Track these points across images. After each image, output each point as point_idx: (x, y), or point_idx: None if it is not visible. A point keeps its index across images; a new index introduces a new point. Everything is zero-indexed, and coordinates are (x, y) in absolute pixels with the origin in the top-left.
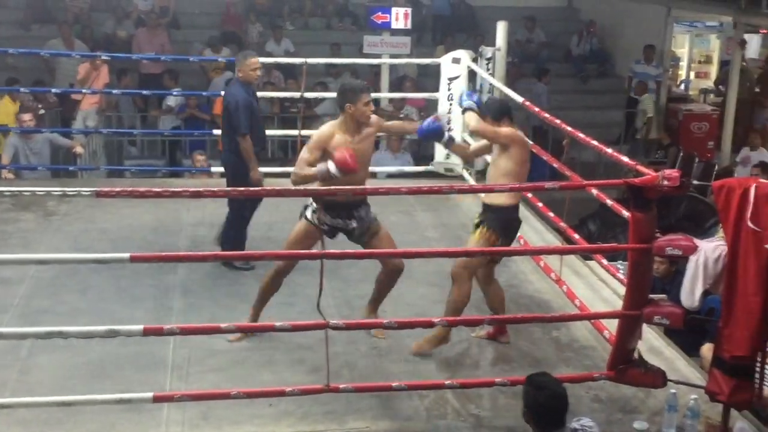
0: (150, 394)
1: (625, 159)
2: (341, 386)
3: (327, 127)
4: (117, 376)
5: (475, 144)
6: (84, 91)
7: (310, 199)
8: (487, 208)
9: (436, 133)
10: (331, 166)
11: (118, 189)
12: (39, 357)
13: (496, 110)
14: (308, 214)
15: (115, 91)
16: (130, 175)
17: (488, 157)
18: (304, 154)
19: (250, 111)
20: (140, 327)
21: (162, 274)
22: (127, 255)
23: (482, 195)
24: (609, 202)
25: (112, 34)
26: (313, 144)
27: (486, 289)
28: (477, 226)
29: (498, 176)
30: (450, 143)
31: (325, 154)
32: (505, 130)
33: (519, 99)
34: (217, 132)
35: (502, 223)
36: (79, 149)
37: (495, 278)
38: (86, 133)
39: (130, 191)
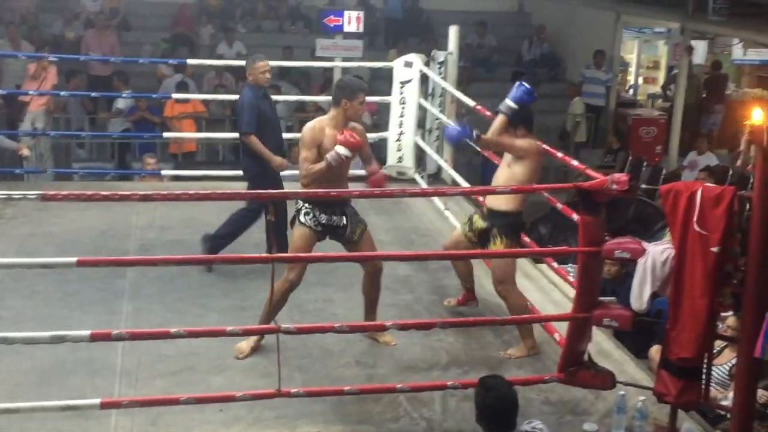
0: (98, 401)
1: (575, 163)
2: (293, 390)
3: (316, 123)
4: (64, 382)
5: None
6: (31, 92)
7: (300, 203)
8: (497, 214)
9: (467, 136)
10: (339, 149)
11: (65, 192)
12: None
13: (514, 117)
14: (301, 218)
15: (63, 93)
16: (78, 178)
17: (435, 156)
18: (304, 153)
19: (257, 111)
20: (87, 332)
21: (111, 279)
22: (74, 259)
23: (486, 200)
24: (559, 205)
25: (60, 35)
26: (308, 141)
27: (457, 263)
28: (487, 232)
29: (510, 182)
30: (478, 140)
31: (319, 148)
32: (521, 142)
33: (471, 103)
34: (168, 135)
35: (515, 229)
36: (25, 151)
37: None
38: (33, 135)
39: (77, 194)
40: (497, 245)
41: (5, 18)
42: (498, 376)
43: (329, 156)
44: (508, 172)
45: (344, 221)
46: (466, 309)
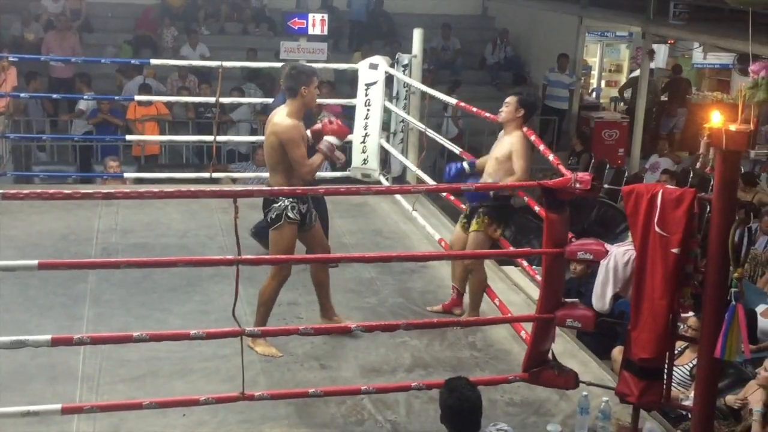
0: (58, 406)
1: (552, 157)
2: (257, 394)
3: (289, 119)
4: (24, 388)
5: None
6: None
7: (284, 201)
8: (486, 195)
9: (460, 174)
10: (331, 139)
11: (26, 191)
12: None
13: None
14: (290, 213)
15: (23, 95)
16: (39, 181)
17: (400, 157)
18: (298, 150)
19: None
20: (48, 337)
21: (72, 283)
22: (35, 262)
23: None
24: (526, 198)
25: (20, 36)
26: (297, 138)
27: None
28: (473, 211)
29: (502, 174)
30: (472, 167)
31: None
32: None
33: (452, 101)
34: (130, 137)
35: (497, 210)
36: None
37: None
38: None
39: (38, 193)
40: (477, 222)
41: None
42: (462, 378)
43: (324, 147)
44: (498, 166)
45: (310, 208)
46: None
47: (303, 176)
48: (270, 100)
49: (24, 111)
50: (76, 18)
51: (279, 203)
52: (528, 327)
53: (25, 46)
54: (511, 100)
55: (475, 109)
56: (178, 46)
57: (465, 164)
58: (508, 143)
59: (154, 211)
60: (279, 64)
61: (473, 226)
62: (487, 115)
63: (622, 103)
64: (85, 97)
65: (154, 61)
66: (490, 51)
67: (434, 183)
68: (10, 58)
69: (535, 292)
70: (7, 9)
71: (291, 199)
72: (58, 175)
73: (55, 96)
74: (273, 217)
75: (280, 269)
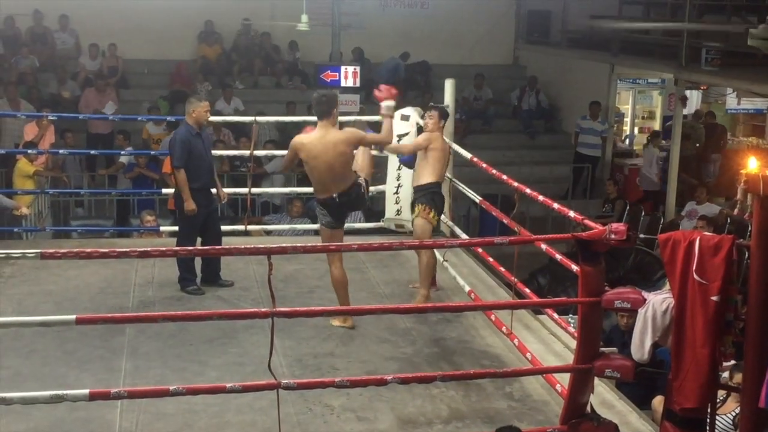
0: None
1: (573, 214)
2: None
3: (345, 129)
4: None
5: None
6: (30, 151)
7: (361, 182)
8: (418, 189)
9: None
10: (388, 103)
11: (64, 250)
12: None
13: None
14: (365, 186)
15: (62, 151)
16: (76, 236)
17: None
18: (370, 135)
19: (189, 148)
20: (86, 391)
21: (110, 336)
22: (72, 317)
23: (413, 181)
24: (558, 256)
25: (57, 94)
26: (354, 140)
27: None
28: (413, 204)
29: (424, 169)
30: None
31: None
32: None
33: (467, 155)
34: (167, 191)
35: (430, 196)
36: (24, 210)
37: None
38: (32, 194)
39: (75, 252)
40: (416, 211)
41: (4, 78)
42: (514, 428)
43: (385, 111)
44: (422, 165)
45: None
46: (464, 359)
47: (389, 141)
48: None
49: (62, 167)
50: (113, 75)
51: (361, 184)
52: (564, 379)
53: (61, 103)
54: (434, 113)
55: (484, 165)
56: (212, 101)
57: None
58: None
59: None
60: (313, 118)
61: (414, 213)
62: (494, 171)
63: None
64: (122, 152)
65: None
66: (517, 97)
67: (466, 235)
68: (50, 117)
69: (573, 341)
70: (45, 68)
71: (363, 178)
72: (95, 229)
73: (92, 152)
74: (365, 197)
75: (333, 265)
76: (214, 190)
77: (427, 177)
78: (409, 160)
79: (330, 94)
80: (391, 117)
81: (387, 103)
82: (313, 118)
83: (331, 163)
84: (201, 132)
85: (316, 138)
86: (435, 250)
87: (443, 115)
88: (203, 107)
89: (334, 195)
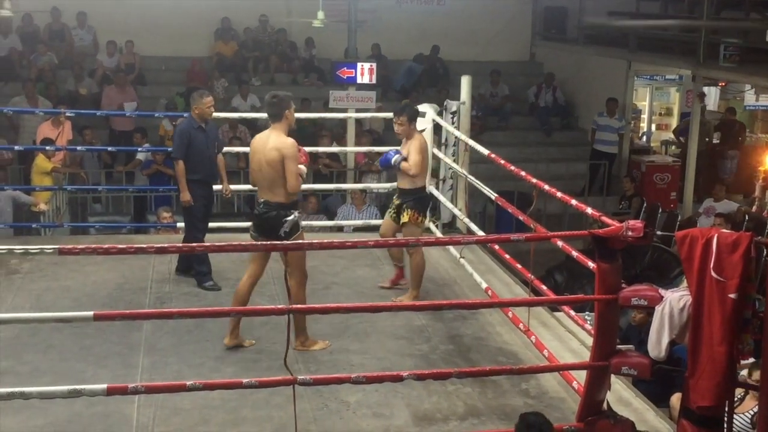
0: None
1: (590, 210)
2: None
3: (289, 138)
4: None
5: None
6: (48, 148)
7: (295, 214)
8: (401, 192)
9: (386, 162)
10: (301, 167)
11: (81, 246)
12: (0, 419)
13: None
14: (300, 223)
15: (80, 148)
16: (94, 232)
17: (449, 205)
18: (295, 165)
19: (188, 140)
20: (104, 386)
21: (127, 332)
22: (90, 313)
23: (398, 181)
24: (574, 253)
25: (74, 91)
26: (296, 155)
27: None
28: (399, 206)
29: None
30: (398, 163)
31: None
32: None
33: (484, 151)
34: None
35: (417, 202)
36: (42, 206)
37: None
38: (50, 190)
39: (93, 248)
40: (406, 216)
41: (23, 74)
42: (539, 414)
43: (300, 173)
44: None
45: None
46: (480, 356)
47: (296, 189)
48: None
49: (80, 163)
50: (130, 72)
51: (292, 216)
52: (581, 376)
53: (79, 100)
54: (402, 119)
55: (502, 161)
56: (229, 97)
57: (397, 158)
58: (410, 145)
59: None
60: (329, 115)
61: (404, 218)
62: (512, 168)
63: (673, 147)
64: (139, 149)
65: None
66: (534, 93)
67: (482, 232)
68: (67, 114)
69: (589, 338)
70: (63, 65)
71: (297, 211)
72: (112, 226)
73: (110, 148)
74: (288, 230)
75: (304, 274)
76: (218, 187)
77: (411, 182)
78: (385, 162)
79: (282, 95)
80: (301, 177)
81: (300, 167)
82: (328, 115)
83: (261, 164)
84: (205, 126)
85: (263, 135)
86: (449, 247)
87: (412, 116)
88: (206, 103)
89: (260, 200)
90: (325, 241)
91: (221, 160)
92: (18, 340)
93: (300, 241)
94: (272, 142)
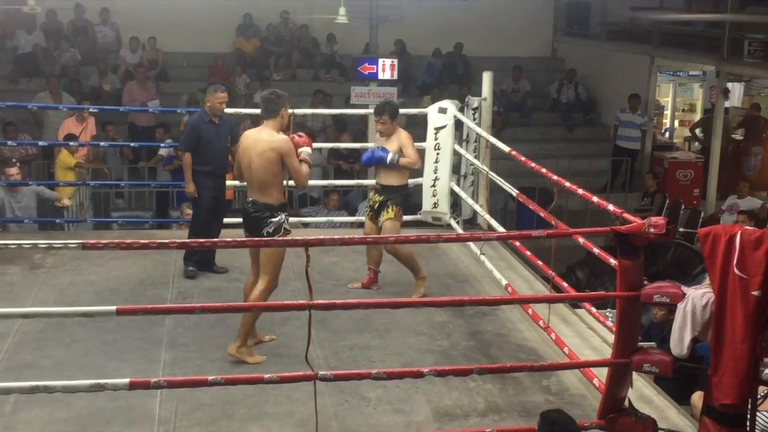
0: None
1: (611, 207)
2: None
3: (280, 134)
4: (103, 430)
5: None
6: (72, 144)
7: (281, 215)
8: (386, 188)
9: (380, 161)
10: (306, 149)
11: (105, 241)
12: (23, 412)
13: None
14: (286, 226)
15: (102, 143)
16: (117, 227)
17: (470, 201)
18: (296, 161)
19: (197, 133)
20: (126, 380)
21: (149, 327)
22: (113, 308)
23: (380, 178)
24: (596, 250)
25: (98, 87)
26: (293, 149)
27: (370, 249)
28: (383, 204)
29: (396, 170)
30: (395, 161)
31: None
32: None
33: (505, 148)
34: None
35: (403, 199)
36: (66, 201)
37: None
38: (74, 186)
39: (116, 243)
40: (389, 213)
41: (47, 70)
42: (561, 411)
43: (305, 156)
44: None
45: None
46: (501, 353)
47: (302, 183)
48: (342, 145)
49: (103, 159)
50: (152, 68)
51: (278, 217)
52: (602, 373)
53: (102, 96)
54: (384, 119)
55: (523, 158)
56: (250, 93)
57: (392, 157)
58: (397, 141)
59: (227, 256)
60: (350, 111)
61: (386, 215)
62: (533, 164)
63: (696, 143)
64: (162, 145)
65: (227, 110)
66: (555, 89)
67: (503, 228)
68: (91, 110)
69: (610, 336)
70: (87, 61)
71: (285, 214)
72: (135, 221)
73: (132, 144)
74: (271, 231)
75: (274, 279)
76: (231, 182)
77: (400, 178)
78: (370, 160)
79: (280, 93)
80: (309, 163)
81: (306, 149)
82: (349, 111)
83: (253, 161)
84: (218, 120)
85: (253, 132)
86: (469, 244)
87: (393, 114)
88: (218, 97)
89: (249, 199)
90: (346, 237)
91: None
92: (42, 334)
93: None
94: (265, 141)
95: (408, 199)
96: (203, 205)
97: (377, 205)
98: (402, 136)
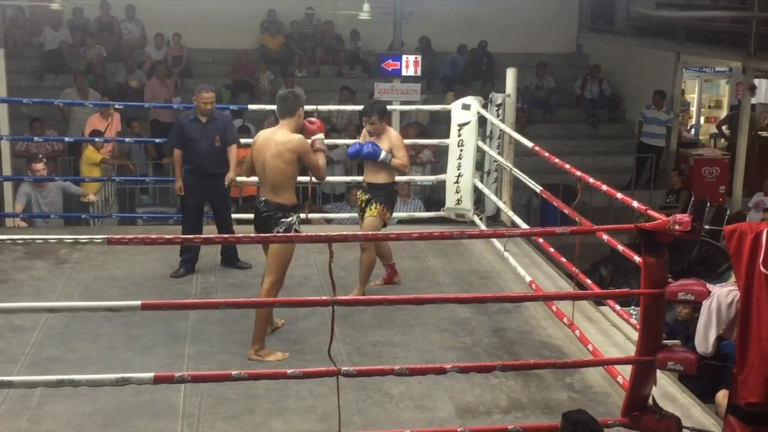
0: None
1: (636, 204)
2: None
3: (296, 134)
4: (128, 424)
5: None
6: (97, 140)
7: (293, 216)
8: (372, 186)
9: (370, 156)
10: (320, 136)
11: (130, 236)
12: (49, 406)
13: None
14: (297, 228)
15: (128, 140)
16: (142, 223)
17: (493, 198)
18: (314, 157)
19: (182, 131)
20: (151, 375)
21: (173, 322)
22: (138, 303)
23: (367, 176)
24: (620, 247)
25: (125, 83)
26: (309, 148)
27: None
28: (368, 202)
29: (384, 168)
30: (388, 160)
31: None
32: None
33: (528, 144)
34: None
35: (388, 197)
36: (91, 197)
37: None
38: (99, 181)
39: (141, 238)
40: (372, 210)
41: (73, 67)
42: (584, 412)
43: (320, 144)
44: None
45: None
46: (524, 350)
47: (322, 177)
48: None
49: (128, 155)
50: (177, 64)
51: (290, 218)
52: (626, 371)
53: (129, 92)
54: (373, 119)
55: (546, 154)
56: (274, 90)
57: (385, 155)
58: (387, 141)
59: (251, 251)
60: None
61: (369, 212)
62: (556, 160)
63: (722, 140)
64: None
65: (251, 107)
66: (580, 85)
67: (526, 225)
68: (116, 106)
69: (634, 333)
70: (113, 57)
71: (297, 215)
72: (160, 216)
73: (157, 140)
74: (281, 231)
75: (281, 277)
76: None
77: (386, 176)
78: (354, 153)
79: (297, 93)
80: (323, 151)
81: (319, 136)
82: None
83: (267, 162)
84: (205, 119)
85: (268, 132)
86: (494, 240)
87: (382, 113)
88: (202, 98)
89: (261, 198)
90: (369, 233)
91: (232, 150)
92: (68, 328)
93: (346, 233)
94: (280, 142)
95: (393, 197)
96: (187, 205)
97: (364, 203)
98: (392, 137)
